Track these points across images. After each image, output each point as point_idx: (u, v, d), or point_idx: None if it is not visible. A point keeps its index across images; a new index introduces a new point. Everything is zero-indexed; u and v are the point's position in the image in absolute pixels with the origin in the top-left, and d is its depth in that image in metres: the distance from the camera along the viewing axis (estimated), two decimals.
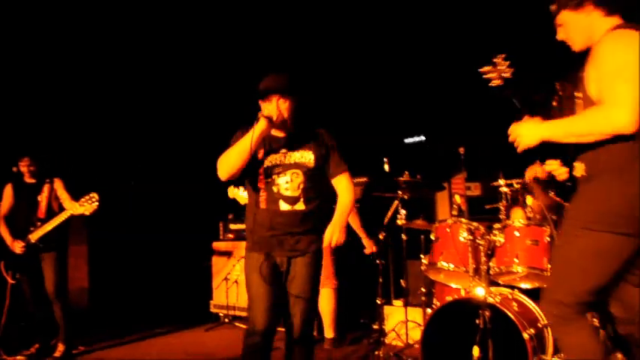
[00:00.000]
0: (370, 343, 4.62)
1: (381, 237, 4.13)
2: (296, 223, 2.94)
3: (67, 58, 5.88)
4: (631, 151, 2.16)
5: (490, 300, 3.35)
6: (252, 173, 2.99)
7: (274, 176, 2.97)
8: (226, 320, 5.98)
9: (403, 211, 4.27)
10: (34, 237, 4.63)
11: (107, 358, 4.82)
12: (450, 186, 6.20)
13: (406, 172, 4.09)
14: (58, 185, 4.84)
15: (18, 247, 4.62)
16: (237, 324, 5.77)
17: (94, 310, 6.50)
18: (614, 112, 2.10)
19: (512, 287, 3.66)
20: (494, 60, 3.29)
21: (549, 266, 3.30)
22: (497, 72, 3.34)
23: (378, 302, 4.10)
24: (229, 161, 2.91)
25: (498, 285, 3.65)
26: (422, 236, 4.33)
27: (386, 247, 4.52)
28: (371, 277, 4.65)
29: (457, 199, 3.98)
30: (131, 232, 6.84)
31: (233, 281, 5.90)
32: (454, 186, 6.17)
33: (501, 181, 3.72)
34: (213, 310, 6.22)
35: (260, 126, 2.86)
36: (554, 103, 4.33)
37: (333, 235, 2.94)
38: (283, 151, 3.01)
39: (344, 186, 3.07)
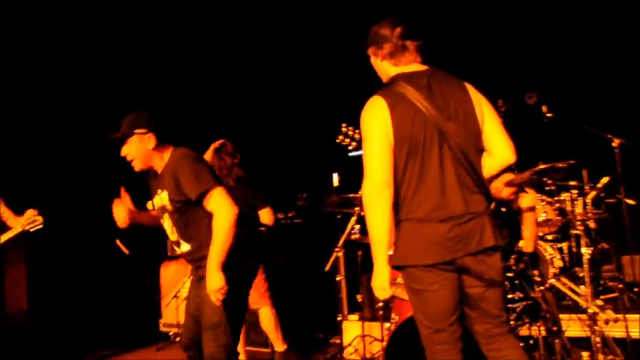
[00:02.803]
0: (327, 358, 4.62)
1: (338, 254, 4.14)
2: (192, 262, 2.94)
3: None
4: None
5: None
6: None
7: (162, 221, 2.98)
8: (177, 339, 5.82)
9: (357, 226, 4.31)
10: None
11: None
12: None
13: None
14: None
15: None
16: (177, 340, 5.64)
17: (35, 332, 6.17)
18: (366, 180, 2.36)
19: None
20: (343, 129, 3.62)
21: None
22: (349, 138, 3.65)
23: (339, 318, 4.10)
24: None
25: None
26: None
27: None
28: (324, 293, 4.67)
29: None
30: (72, 251, 6.56)
31: (183, 298, 5.75)
32: None
33: None
34: (162, 329, 6.04)
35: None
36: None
37: (210, 288, 2.70)
38: (158, 192, 2.92)
39: (212, 209, 2.74)
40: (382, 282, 2.39)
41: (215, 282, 2.68)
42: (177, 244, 2.93)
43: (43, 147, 5.70)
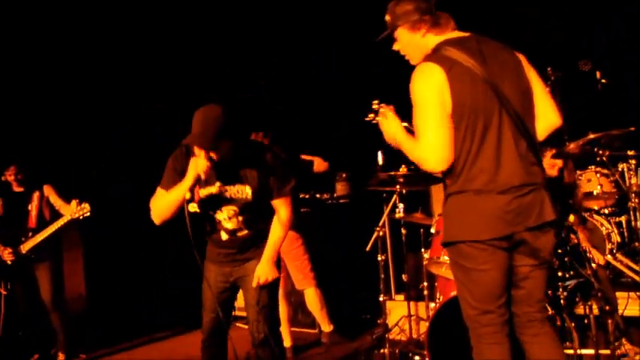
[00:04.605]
0: (373, 339, 4.58)
1: (380, 232, 4.07)
2: (241, 245, 3.02)
3: (44, 63, 5.75)
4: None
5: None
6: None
7: (211, 211, 2.98)
8: (236, 323, 5.87)
9: (401, 205, 4.22)
10: (25, 248, 4.54)
11: None
12: None
13: (403, 166, 4.02)
14: (49, 192, 4.74)
15: (6, 254, 4.52)
16: (238, 324, 5.69)
17: (93, 315, 6.40)
18: (422, 156, 2.22)
19: None
20: (373, 107, 3.45)
21: None
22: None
23: (381, 299, 4.05)
24: (161, 210, 2.89)
25: None
26: (421, 230, 4.26)
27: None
28: (370, 273, 4.60)
29: None
30: (126, 233, 6.75)
31: None
32: None
33: None
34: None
35: (187, 182, 2.78)
36: (548, 90, 4.34)
37: (261, 274, 2.96)
38: (218, 184, 2.92)
39: (280, 215, 3.01)
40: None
41: (273, 273, 3.00)
42: (235, 231, 2.99)
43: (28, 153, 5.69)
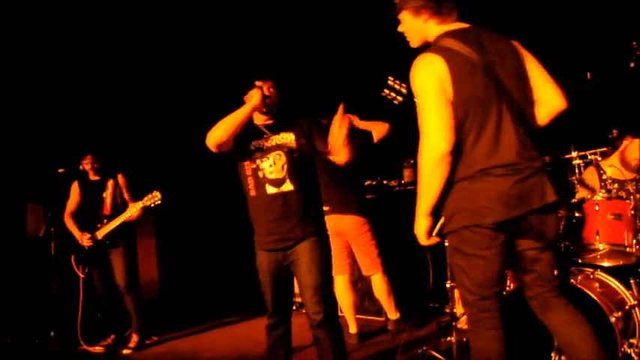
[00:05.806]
0: (441, 327, 4.46)
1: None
2: (287, 206, 3.03)
3: (116, 55, 5.95)
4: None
5: (570, 281, 3.15)
6: (239, 160, 3.17)
7: (258, 161, 3.10)
8: (293, 308, 5.93)
9: None
10: (100, 234, 4.73)
11: (179, 347, 4.91)
12: None
13: None
14: (123, 180, 4.91)
15: (85, 239, 4.72)
16: (304, 311, 5.72)
17: (165, 300, 6.62)
18: (427, 139, 2.22)
19: (594, 266, 3.40)
20: (388, 82, 3.29)
21: (634, 242, 3.16)
22: (395, 92, 3.29)
23: (448, 285, 3.93)
24: (219, 130, 3.02)
25: (578, 264, 3.41)
26: None
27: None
28: (439, 260, 4.49)
29: None
30: (198, 221, 6.91)
31: None
32: None
33: (574, 154, 3.52)
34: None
35: (255, 97, 3.06)
36: (632, 65, 4.06)
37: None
38: (266, 135, 3.16)
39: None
40: (420, 231, 2.42)
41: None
42: (280, 182, 3.05)
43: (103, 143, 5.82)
